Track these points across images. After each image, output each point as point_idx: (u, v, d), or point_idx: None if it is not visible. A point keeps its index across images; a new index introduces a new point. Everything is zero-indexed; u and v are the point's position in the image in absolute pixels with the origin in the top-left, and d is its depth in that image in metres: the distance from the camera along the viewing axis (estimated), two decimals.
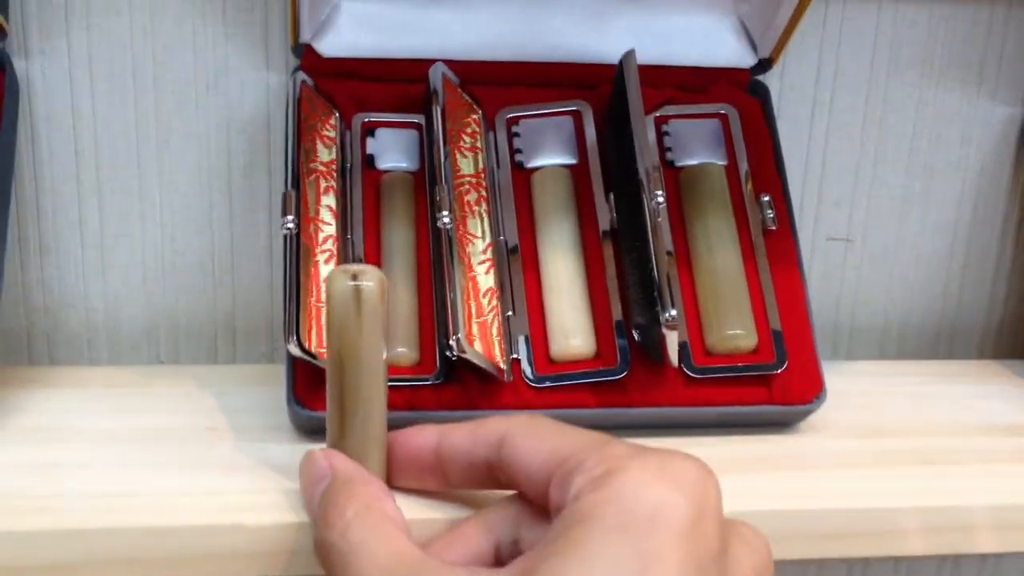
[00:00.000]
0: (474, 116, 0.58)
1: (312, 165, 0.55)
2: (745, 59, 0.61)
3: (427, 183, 0.56)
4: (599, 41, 0.60)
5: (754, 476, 0.51)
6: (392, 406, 0.50)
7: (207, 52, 0.59)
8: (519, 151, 0.58)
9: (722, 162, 0.59)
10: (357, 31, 0.58)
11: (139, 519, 0.45)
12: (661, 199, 0.53)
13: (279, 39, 0.60)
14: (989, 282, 0.70)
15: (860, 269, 0.68)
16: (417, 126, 0.58)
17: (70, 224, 0.60)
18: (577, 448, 0.39)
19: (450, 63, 0.58)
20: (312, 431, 0.51)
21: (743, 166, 0.59)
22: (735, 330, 0.54)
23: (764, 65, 0.61)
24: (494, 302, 0.54)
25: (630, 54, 0.56)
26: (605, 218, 0.56)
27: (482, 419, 0.43)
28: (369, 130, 0.58)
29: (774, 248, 0.57)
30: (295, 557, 0.45)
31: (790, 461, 0.53)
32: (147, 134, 0.60)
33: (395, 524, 0.41)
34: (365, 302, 0.42)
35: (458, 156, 0.56)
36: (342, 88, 0.58)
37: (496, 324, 0.53)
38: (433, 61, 0.57)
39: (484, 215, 0.55)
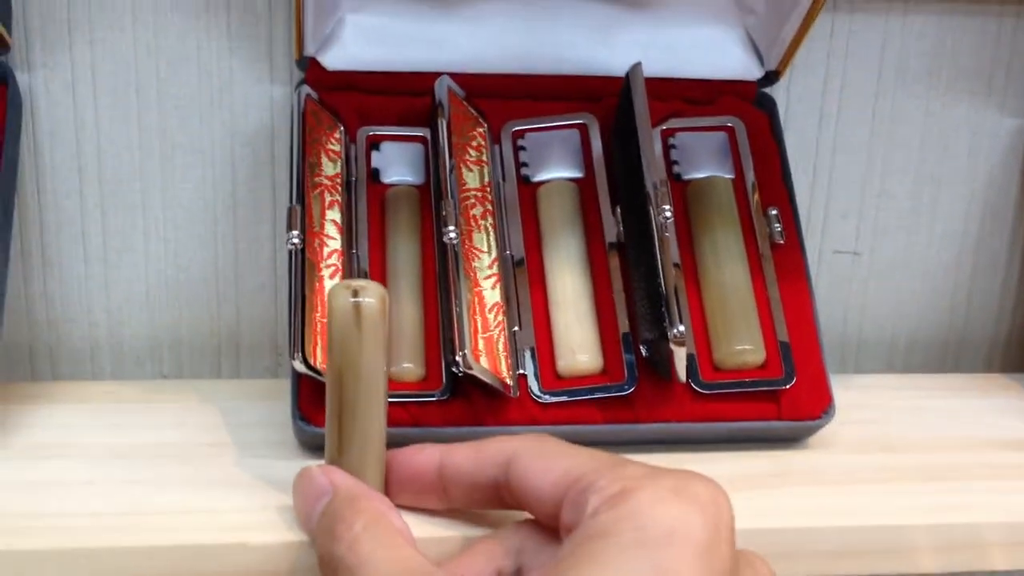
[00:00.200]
0: (480, 129, 0.58)
1: (317, 179, 0.55)
2: (752, 72, 0.61)
3: (432, 197, 0.56)
4: (606, 54, 0.60)
5: (763, 492, 0.51)
6: (397, 422, 0.50)
7: (211, 66, 0.59)
8: (525, 164, 0.58)
9: (729, 175, 0.59)
10: (362, 44, 0.57)
11: (142, 538, 0.44)
12: (669, 213, 0.52)
13: (283, 52, 0.59)
14: (997, 294, 0.70)
15: (868, 282, 0.68)
16: (422, 140, 0.58)
17: (73, 238, 0.60)
18: (590, 468, 0.38)
19: (455, 76, 0.57)
20: (317, 447, 0.50)
21: (750, 179, 0.59)
22: (743, 345, 0.54)
23: (771, 77, 0.61)
24: (500, 317, 0.53)
25: (637, 67, 0.56)
26: (612, 232, 0.56)
27: (485, 439, 0.43)
28: (374, 144, 0.58)
29: (782, 261, 0.57)
30: None
31: (799, 477, 0.52)
32: (150, 148, 0.60)
33: (403, 536, 0.40)
34: (365, 318, 0.42)
35: (464, 170, 0.56)
36: (347, 101, 0.58)
37: (502, 339, 0.53)
38: (438, 74, 0.57)
39: (490, 229, 0.55)
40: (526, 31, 0.59)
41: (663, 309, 0.50)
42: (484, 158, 0.57)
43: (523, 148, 0.58)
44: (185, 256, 0.61)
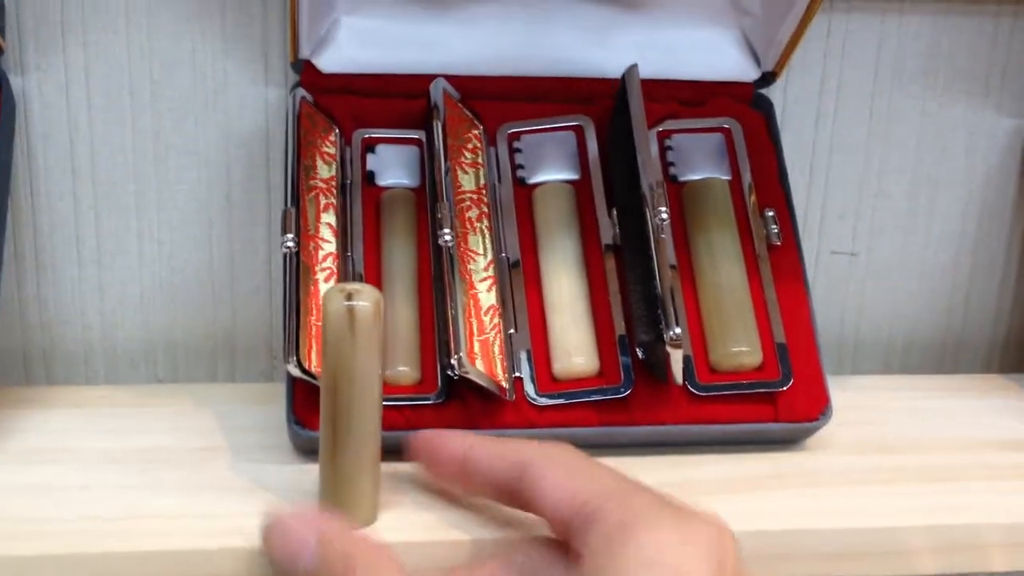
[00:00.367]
0: (475, 131, 0.57)
1: (312, 182, 0.54)
2: (748, 73, 0.61)
3: (428, 200, 0.56)
4: (601, 55, 0.59)
5: (760, 495, 0.50)
6: (393, 425, 0.50)
7: (205, 68, 0.59)
8: (521, 167, 0.58)
9: (726, 176, 0.59)
10: (357, 46, 0.57)
11: (137, 543, 0.44)
12: (665, 215, 0.52)
13: (278, 55, 0.59)
14: (995, 295, 0.70)
15: (865, 283, 0.68)
16: (418, 142, 0.58)
17: (67, 241, 0.60)
18: (597, 492, 0.38)
19: (451, 78, 0.57)
20: (311, 451, 0.50)
21: (747, 180, 0.58)
22: (740, 347, 0.54)
23: (767, 79, 0.61)
24: (496, 319, 0.53)
25: (633, 68, 0.56)
26: (608, 234, 0.56)
27: (509, 440, 0.43)
28: (369, 146, 0.57)
29: (778, 263, 0.57)
30: None
31: (796, 479, 0.52)
32: (144, 151, 0.59)
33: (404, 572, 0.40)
34: (360, 321, 0.42)
35: (459, 172, 0.56)
36: (342, 104, 0.57)
37: (498, 342, 0.52)
38: (434, 76, 0.57)
39: (486, 231, 0.55)
40: (522, 33, 0.59)
41: (659, 311, 0.50)
42: (480, 160, 0.57)
43: (519, 150, 0.58)
44: (180, 258, 0.61)
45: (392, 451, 0.50)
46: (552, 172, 0.58)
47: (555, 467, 0.40)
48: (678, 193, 0.58)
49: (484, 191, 0.56)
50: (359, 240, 0.55)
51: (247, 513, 0.46)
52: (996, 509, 0.50)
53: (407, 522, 0.46)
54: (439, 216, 0.53)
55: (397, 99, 0.58)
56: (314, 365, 0.49)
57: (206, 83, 0.59)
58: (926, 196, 0.67)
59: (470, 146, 0.57)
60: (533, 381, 0.52)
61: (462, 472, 0.44)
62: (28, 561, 0.43)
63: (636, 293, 0.54)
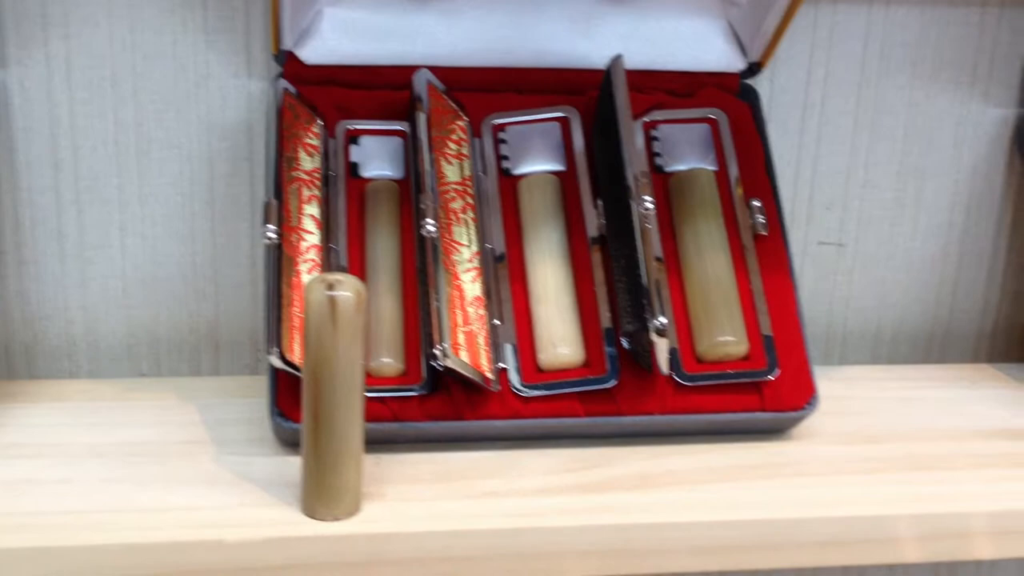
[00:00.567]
0: (460, 123, 0.57)
1: (295, 174, 0.54)
2: (735, 63, 0.61)
3: (412, 191, 0.56)
4: (587, 46, 0.59)
5: (747, 484, 0.50)
6: (377, 417, 0.50)
7: (187, 60, 0.58)
8: (506, 158, 0.57)
9: (712, 167, 0.58)
10: (340, 37, 0.57)
11: (119, 536, 0.44)
12: (650, 205, 0.52)
13: (261, 47, 0.59)
14: (983, 285, 0.69)
15: (852, 273, 0.68)
16: (401, 133, 0.57)
17: (49, 235, 0.59)
18: None
19: (435, 69, 0.57)
20: (295, 443, 0.50)
21: (733, 171, 0.58)
22: (726, 337, 0.53)
23: (754, 69, 0.61)
24: (481, 311, 0.53)
25: (618, 59, 0.55)
26: (593, 225, 0.56)
27: None
28: (353, 138, 0.57)
29: (765, 253, 0.56)
30: (276, 573, 0.44)
31: (783, 469, 0.52)
32: (127, 144, 0.59)
33: None
34: (341, 312, 0.41)
35: (443, 163, 0.55)
36: (325, 95, 0.57)
37: (483, 333, 0.52)
38: (417, 67, 0.57)
39: (470, 223, 0.55)
40: (506, 24, 0.59)
41: (645, 301, 0.50)
42: (464, 152, 0.56)
43: (504, 141, 0.58)
44: (162, 252, 0.61)
45: (376, 442, 0.50)
46: (537, 163, 0.57)
47: None
48: (664, 184, 0.58)
49: (469, 182, 0.56)
50: (342, 232, 0.55)
51: (231, 506, 0.46)
52: (983, 498, 0.50)
53: (391, 513, 0.46)
54: (423, 207, 0.52)
55: (381, 90, 0.58)
56: (297, 357, 0.49)
57: (188, 76, 0.59)
58: (913, 186, 0.67)
59: (454, 137, 0.56)
60: (518, 372, 0.52)
61: None
62: (12, 554, 0.43)
63: (622, 283, 0.53)
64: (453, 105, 0.57)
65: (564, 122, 0.58)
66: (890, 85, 0.65)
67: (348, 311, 0.42)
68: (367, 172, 0.57)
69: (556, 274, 0.54)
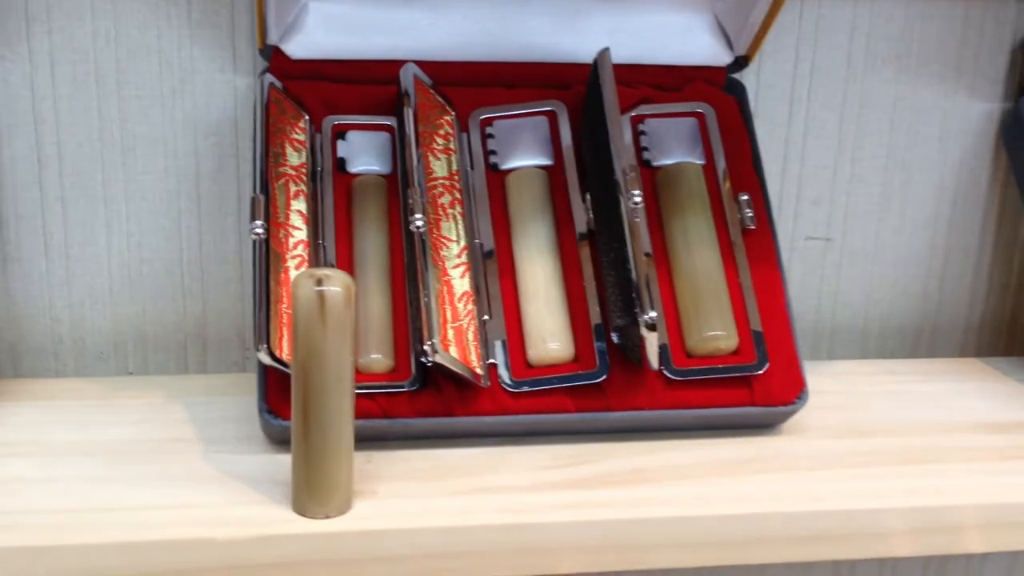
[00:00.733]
0: (447, 117, 0.57)
1: (281, 169, 0.54)
2: (721, 57, 0.60)
3: (400, 186, 0.55)
4: (574, 40, 0.59)
5: (737, 479, 0.50)
6: (367, 413, 0.49)
7: (172, 55, 0.58)
8: (493, 152, 0.57)
9: (699, 161, 0.58)
10: (326, 32, 0.56)
11: (106, 535, 0.44)
12: (638, 199, 0.52)
13: (246, 41, 0.58)
14: (970, 279, 0.70)
15: (840, 268, 0.68)
16: (389, 128, 0.57)
17: (33, 232, 0.59)
18: None
19: (422, 64, 0.57)
20: (284, 441, 0.50)
21: (720, 165, 0.58)
22: (715, 331, 0.53)
23: (740, 63, 0.61)
24: (470, 306, 0.53)
25: (605, 53, 0.55)
26: (582, 219, 0.56)
27: None
28: (340, 133, 0.57)
29: (753, 248, 0.56)
30: (267, 571, 0.44)
31: (773, 463, 0.52)
32: (112, 140, 0.58)
33: None
34: (330, 307, 0.41)
35: (431, 158, 0.55)
36: (311, 90, 0.57)
37: (472, 329, 0.52)
38: (404, 62, 0.56)
39: (458, 218, 0.54)
40: (493, 18, 0.58)
41: (634, 296, 0.50)
42: (452, 146, 0.56)
43: (491, 136, 0.57)
44: (149, 249, 0.60)
45: (366, 439, 0.50)
46: (525, 158, 0.57)
47: None
48: (652, 178, 0.58)
49: (456, 177, 0.55)
50: (330, 227, 0.54)
51: (221, 504, 0.46)
52: (972, 491, 0.50)
53: (382, 510, 0.46)
54: (411, 202, 0.52)
55: (367, 85, 0.57)
56: (285, 353, 0.49)
57: (173, 71, 0.58)
58: (900, 181, 0.67)
59: (442, 132, 0.56)
60: (508, 368, 0.52)
61: None
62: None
63: (611, 278, 0.53)
64: (440, 100, 0.57)
65: (551, 116, 0.58)
66: (876, 79, 0.65)
67: (337, 306, 0.41)
68: (354, 167, 0.56)
69: (545, 269, 0.54)
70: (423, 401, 0.51)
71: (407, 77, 0.56)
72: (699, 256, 0.55)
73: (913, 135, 0.66)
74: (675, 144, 0.59)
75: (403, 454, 0.50)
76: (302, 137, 0.55)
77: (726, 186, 0.58)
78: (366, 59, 0.57)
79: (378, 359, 0.51)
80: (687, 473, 0.50)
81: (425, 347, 0.49)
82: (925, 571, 0.72)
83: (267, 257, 0.51)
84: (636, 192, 0.52)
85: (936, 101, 0.66)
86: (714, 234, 0.56)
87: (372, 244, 0.54)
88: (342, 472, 0.44)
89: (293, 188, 0.54)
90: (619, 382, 0.52)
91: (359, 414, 0.46)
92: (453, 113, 0.57)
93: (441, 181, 0.55)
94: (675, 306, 0.55)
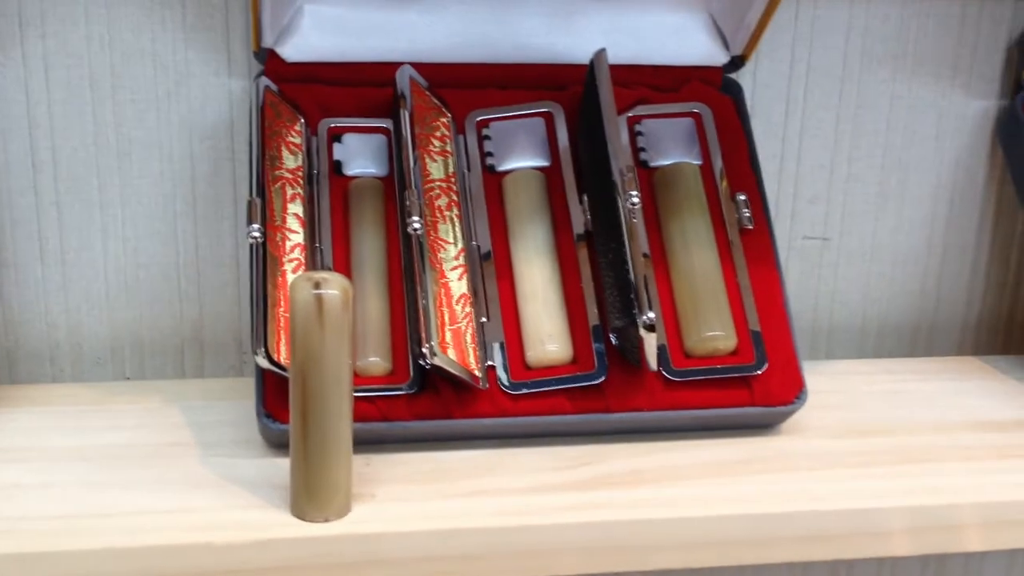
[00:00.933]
0: (443, 119, 0.57)
1: (278, 172, 0.54)
2: (717, 57, 0.60)
3: (396, 189, 0.55)
4: (570, 41, 0.59)
5: (736, 479, 0.50)
6: (365, 416, 0.49)
7: (167, 59, 0.58)
8: (490, 154, 0.57)
9: (696, 161, 0.58)
10: (321, 34, 0.56)
11: (104, 540, 0.43)
12: (636, 200, 0.52)
13: (241, 44, 0.58)
14: (967, 277, 0.70)
15: (837, 267, 0.68)
16: (385, 131, 0.57)
17: (29, 237, 0.59)
18: None
19: (417, 66, 0.57)
20: (282, 445, 0.49)
21: (718, 165, 0.58)
22: (714, 332, 0.53)
23: (737, 63, 0.61)
24: (468, 308, 0.52)
25: (601, 53, 0.55)
26: (579, 221, 0.55)
27: None
28: (336, 136, 0.57)
29: (751, 247, 0.56)
30: (266, 575, 0.44)
31: (772, 463, 0.52)
32: (107, 144, 0.58)
33: None
34: (328, 310, 0.41)
35: (427, 160, 0.55)
36: (307, 93, 0.57)
37: (470, 331, 0.52)
38: (400, 64, 0.56)
39: (455, 220, 0.54)
40: (488, 19, 0.58)
41: (632, 297, 0.50)
42: (448, 148, 0.56)
43: (488, 138, 0.57)
44: (145, 254, 0.60)
45: (365, 442, 0.49)
46: (522, 159, 0.57)
47: None
48: (649, 178, 0.58)
49: (453, 179, 0.55)
50: (327, 230, 0.54)
51: (220, 508, 0.46)
52: (971, 489, 0.50)
53: (381, 513, 0.46)
54: (408, 205, 0.52)
55: (363, 87, 0.57)
56: (283, 357, 0.48)
57: (168, 75, 0.58)
58: (897, 180, 0.67)
59: (438, 134, 0.56)
60: (506, 370, 0.52)
61: None
62: None
63: (609, 279, 0.53)
64: (436, 102, 0.57)
65: (548, 117, 0.58)
66: (872, 79, 0.65)
67: (335, 310, 0.41)
68: (351, 170, 0.56)
69: (543, 271, 0.54)
70: (421, 404, 0.51)
71: (403, 79, 0.55)
72: (697, 256, 0.55)
73: (909, 134, 0.66)
74: (672, 144, 0.59)
75: (402, 457, 0.50)
76: (298, 140, 0.55)
77: (723, 186, 0.58)
78: (361, 61, 0.57)
79: (376, 362, 0.51)
80: (686, 474, 0.50)
81: (423, 349, 0.48)
82: (924, 570, 0.72)
83: (264, 261, 0.50)
84: (634, 193, 0.52)
85: (932, 100, 0.66)
86: (712, 234, 0.56)
87: (369, 247, 0.54)
88: (341, 475, 0.44)
89: (289, 191, 0.53)
90: (618, 383, 0.52)
91: (357, 417, 0.46)
92: (449, 115, 0.57)
93: (438, 183, 0.55)
94: (673, 307, 0.55)
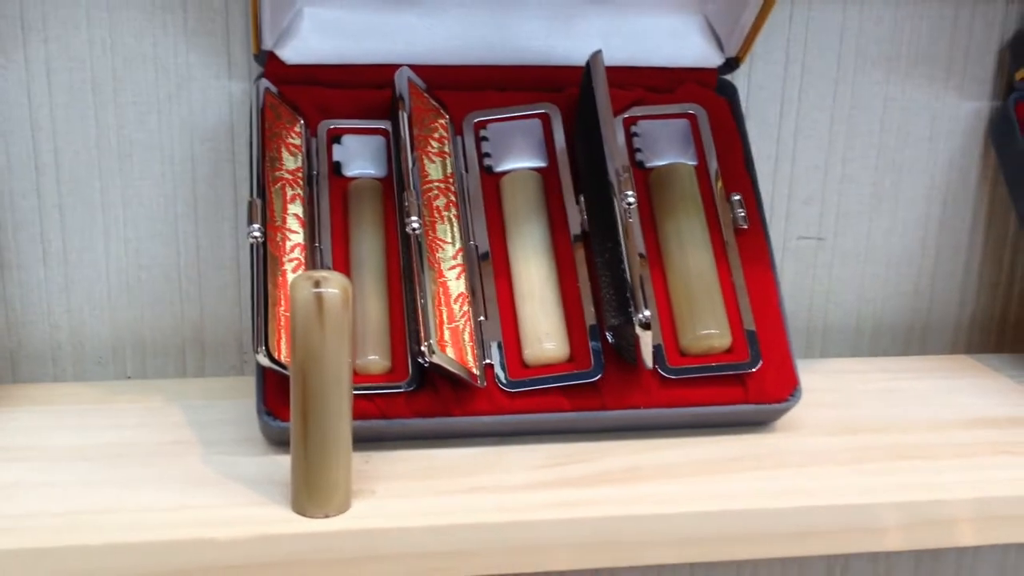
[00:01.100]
0: (441, 121, 0.57)
1: (278, 173, 0.54)
2: (712, 59, 0.61)
3: (395, 189, 0.56)
4: (566, 43, 0.60)
5: (732, 476, 0.51)
6: (365, 414, 0.50)
7: (168, 62, 0.58)
8: (488, 155, 0.58)
9: (692, 162, 0.59)
10: (320, 37, 0.57)
11: (106, 536, 0.44)
12: (632, 200, 0.52)
13: (241, 47, 0.59)
14: (960, 276, 0.70)
15: (832, 267, 0.68)
16: (384, 132, 0.58)
17: (31, 239, 0.59)
18: None
19: (416, 68, 0.57)
20: (283, 443, 0.50)
21: (713, 166, 0.59)
22: (709, 330, 0.54)
23: (731, 64, 0.61)
24: (465, 307, 0.53)
25: (597, 55, 0.56)
26: (576, 221, 0.56)
27: None
28: (335, 137, 0.57)
29: (746, 247, 0.57)
30: (267, 570, 0.44)
31: (767, 460, 0.52)
32: (108, 146, 0.59)
33: None
34: (328, 309, 0.42)
35: (426, 161, 0.56)
36: (307, 95, 0.57)
37: (468, 330, 0.52)
38: (398, 66, 0.57)
39: (453, 220, 0.55)
40: (486, 22, 0.59)
41: (628, 296, 0.50)
42: (446, 149, 0.57)
43: (485, 139, 0.58)
44: (146, 255, 0.61)
45: (364, 440, 0.50)
46: (519, 160, 0.58)
47: None
48: (645, 179, 0.58)
49: (451, 180, 0.56)
50: (327, 231, 0.55)
51: (221, 505, 0.46)
52: (964, 486, 0.51)
53: (380, 510, 0.46)
54: (406, 205, 0.52)
55: (362, 89, 0.58)
56: (284, 355, 0.49)
57: (169, 78, 0.59)
58: (891, 180, 0.68)
59: (436, 135, 0.57)
60: (504, 368, 0.52)
61: None
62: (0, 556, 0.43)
63: (605, 278, 0.54)
64: (434, 103, 0.58)
65: (545, 119, 0.59)
66: (866, 80, 0.66)
67: (335, 308, 0.42)
68: (350, 171, 0.57)
69: (540, 270, 0.55)
70: (420, 401, 0.51)
71: (401, 81, 0.56)
72: (692, 256, 0.56)
73: (903, 135, 0.67)
74: (667, 145, 0.59)
75: (401, 454, 0.51)
76: (298, 141, 0.56)
77: (718, 186, 0.58)
78: (360, 63, 0.58)
79: (375, 360, 0.51)
80: (681, 470, 0.51)
81: (422, 348, 0.49)
82: (918, 565, 0.73)
83: (264, 261, 0.51)
84: (629, 193, 0.52)
85: (926, 101, 0.67)
86: (707, 234, 0.57)
87: (368, 247, 0.55)
88: (341, 472, 0.45)
89: (289, 192, 0.54)
90: (614, 381, 0.53)
91: (357, 415, 0.46)
92: (447, 116, 0.58)
93: (436, 184, 0.55)
94: (669, 305, 0.55)
